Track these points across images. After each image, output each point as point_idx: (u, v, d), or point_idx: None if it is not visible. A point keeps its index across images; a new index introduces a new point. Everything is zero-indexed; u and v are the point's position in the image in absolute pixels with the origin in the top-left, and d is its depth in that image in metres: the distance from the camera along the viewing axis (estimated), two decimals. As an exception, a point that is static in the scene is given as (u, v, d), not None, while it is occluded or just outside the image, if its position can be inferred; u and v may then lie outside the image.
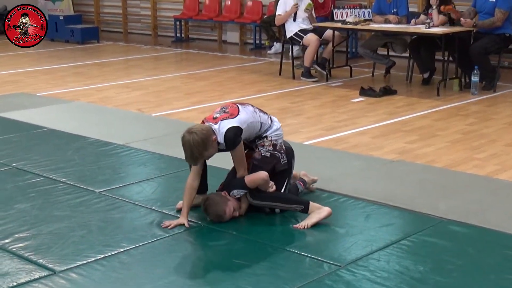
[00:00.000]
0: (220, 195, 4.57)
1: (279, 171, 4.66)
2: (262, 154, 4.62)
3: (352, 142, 6.54)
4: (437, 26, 8.91)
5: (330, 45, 9.82)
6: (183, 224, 4.41)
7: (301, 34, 9.78)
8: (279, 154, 4.65)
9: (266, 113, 4.74)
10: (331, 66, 10.05)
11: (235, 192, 4.56)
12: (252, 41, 13.65)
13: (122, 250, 4.06)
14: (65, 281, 3.70)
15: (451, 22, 9.06)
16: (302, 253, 4.01)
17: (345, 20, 9.75)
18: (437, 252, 4.04)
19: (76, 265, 3.87)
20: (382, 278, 3.71)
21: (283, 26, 10.08)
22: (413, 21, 9.34)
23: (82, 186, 5.19)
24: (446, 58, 8.93)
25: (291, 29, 9.89)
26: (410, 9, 9.90)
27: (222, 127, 4.43)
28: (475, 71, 8.55)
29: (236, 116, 4.49)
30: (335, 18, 10.10)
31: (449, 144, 6.44)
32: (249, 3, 13.63)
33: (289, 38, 10.00)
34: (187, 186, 4.54)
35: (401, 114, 7.67)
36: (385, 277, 3.72)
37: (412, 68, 9.66)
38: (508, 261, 3.94)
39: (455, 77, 9.03)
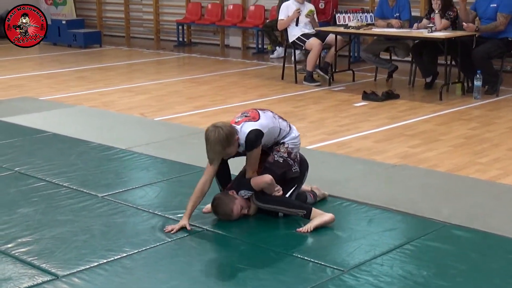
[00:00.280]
0: (228, 194, 4.61)
1: (289, 178, 4.68)
2: (275, 159, 4.66)
3: (355, 147, 6.54)
4: (440, 30, 8.91)
5: (333, 49, 9.82)
6: (185, 227, 4.41)
7: (304, 39, 9.78)
8: (292, 162, 4.69)
9: (286, 120, 4.79)
10: (333, 70, 10.05)
11: (242, 192, 4.60)
12: (254, 46, 13.66)
13: (125, 254, 4.06)
14: (68, 286, 3.70)
15: (454, 26, 9.06)
16: (305, 258, 4.00)
17: (347, 24, 9.75)
18: (440, 256, 4.04)
19: (79, 269, 3.86)
20: (385, 283, 3.70)
21: (285, 30, 10.08)
22: (415, 25, 9.34)
23: (84, 190, 5.19)
24: (448, 62, 8.93)
25: (294, 33, 9.90)
26: (413, 14, 9.90)
27: (244, 128, 4.50)
28: (477, 75, 8.55)
29: (258, 120, 4.56)
30: (337, 23, 10.10)
31: (452, 149, 6.44)
32: (252, 8, 13.64)
33: (291, 42, 10.00)
34: (197, 188, 4.54)
35: (403, 119, 7.67)
36: (389, 282, 3.72)
37: (414, 72, 9.66)
38: (511, 265, 3.93)
39: (458, 82, 9.03)
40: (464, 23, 8.76)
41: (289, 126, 4.77)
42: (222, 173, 4.71)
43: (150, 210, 4.78)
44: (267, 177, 4.53)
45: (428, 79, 9.43)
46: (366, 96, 8.68)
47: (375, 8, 10.37)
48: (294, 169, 4.70)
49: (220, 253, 4.14)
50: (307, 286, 3.66)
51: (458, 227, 4.45)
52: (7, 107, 8.28)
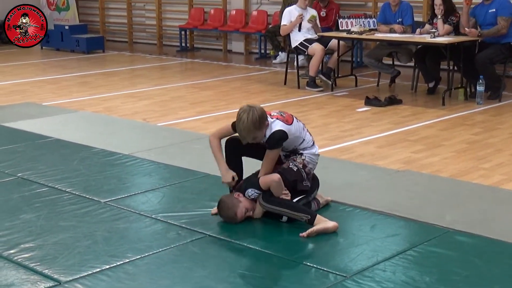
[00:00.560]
0: (232, 197, 4.63)
1: (299, 189, 4.71)
2: (290, 166, 4.71)
3: (358, 152, 6.53)
4: (442, 35, 8.91)
5: (335, 54, 9.83)
6: (233, 179, 4.71)
7: (306, 44, 9.79)
8: (305, 175, 4.73)
9: (312, 136, 4.88)
10: (336, 75, 10.06)
11: (250, 191, 4.63)
12: (257, 51, 13.67)
13: (128, 260, 4.06)
14: (71, 291, 3.70)
15: (456, 31, 9.06)
16: (308, 264, 4.00)
17: (350, 29, 9.77)
18: (443, 262, 4.03)
19: (81, 275, 3.86)
20: (388, 289, 3.70)
21: (288, 36, 10.10)
22: (418, 30, 9.35)
23: (87, 196, 5.19)
24: (451, 67, 8.93)
25: (296, 38, 9.91)
26: (415, 19, 9.90)
27: (274, 125, 4.59)
28: (480, 80, 8.54)
29: (290, 124, 4.65)
30: (340, 28, 10.11)
31: (455, 154, 6.43)
32: (254, 13, 13.65)
33: (294, 47, 10.01)
34: (213, 145, 4.82)
35: (406, 124, 7.66)
36: (391, 288, 3.72)
37: (417, 77, 9.66)
38: (514, 271, 3.93)
39: (461, 87, 9.03)
40: (466, 28, 8.76)
41: (313, 142, 4.86)
42: (234, 168, 4.80)
43: (152, 216, 4.77)
44: (276, 176, 4.57)
45: (431, 84, 9.43)
46: (368, 102, 8.68)
47: (378, 13, 10.37)
48: (305, 183, 4.74)
49: (222, 259, 4.13)
50: (310, 292, 3.66)
51: (461, 233, 4.44)
52: (10, 113, 8.29)
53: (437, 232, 4.47)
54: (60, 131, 7.29)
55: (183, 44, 14.66)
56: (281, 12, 10.90)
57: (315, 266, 3.96)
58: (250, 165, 4.90)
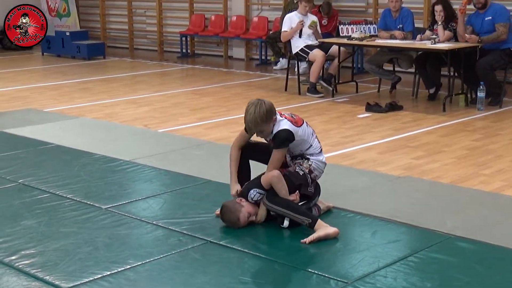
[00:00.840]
0: (234, 202, 4.65)
1: (302, 194, 4.71)
2: (296, 170, 4.73)
3: (359, 158, 6.54)
4: (443, 42, 8.92)
5: (336, 60, 9.84)
6: (237, 192, 4.75)
7: (307, 50, 9.81)
8: (310, 181, 4.76)
9: (320, 144, 4.90)
10: (337, 81, 10.06)
11: (252, 192, 4.66)
12: (258, 57, 13.69)
13: (129, 266, 4.06)
14: (72, 298, 3.71)
15: (456, 38, 9.07)
16: (309, 270, 4.00)
17: (350, 36, 9.78)
18: (444, 268, 4.02)
19: (82, 282, 3.86)
20: (389, 295, 3.70)
21: (289, 42, 10.11)
22: (418, 36, 9.36)
23: (88, 202, 5.19)
24: (452, 73, 8.94)
25: (297, 45, 9.92)
26: (416, 25, 9.91)
27: (282, 123, 4.63)
28: (481, 86, 8.55)
29: (298, 126, 4.68)
30: (340, 34, 10.12)
31: (456, 160, 6.43)
32: (255, 19, 13.67)
33: (295, 54, 10.02)
34: (232, 157, 4.85)
35: (407, 130, 7.67)
36: (392, 294, 3.71)
37: (418, 83, 9.67)
38: (515, 277, 3.93)
39: (461, 93, 9.03)
40: (467, 35, 8.77)
41: (320, 149, 4.88)
42: (241, 172, 4.86)
43: (153, 222, 4.77)
44: (275, 171, 4.59)
45: (432, 91, 9.44)
46: (369, 108, 8.69)
47: (378, 19, 10.39)
48: (309, 189, 4.76)
49: (223, 265, 4.13)
50: (311, 299, 3.66)
51: (462, 239, 4.44)
52: (11, 119, 8.29)
53: (438, 238, 4.47)
54: (61, 137, 7.30)
55: (184, 50, 14.68)
56: (282, 18, 10.92)
57: (316, 272, 3.96)
58: (260, 169, 4.90)
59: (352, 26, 10.25)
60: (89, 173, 5.99)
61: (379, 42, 9.54)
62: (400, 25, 9.65)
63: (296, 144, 4.72)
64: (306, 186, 4.74)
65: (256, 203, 4.69)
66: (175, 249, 4.31)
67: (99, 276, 3.93)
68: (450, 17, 9.07)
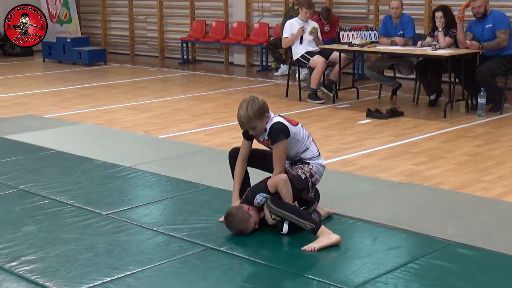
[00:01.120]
0: (243, 211, 4.63)
1: (303, 198, 4.73)
2: (298, 173, 4.73)
3: (359, 164, 6.54)
4: (444, 48, 8.93)
5: (337, 67, 9.85)
6: None
7: (308, 56, 9.82)
8: (311, 185, 4.76)
9: (317, 147, 4.91)
10: (337, 88, 10.07)
11: (258, 197, 4.65)
12: (258, 63, 13.70)
13: (129, 273, 4.06)
14: (72, 304, 3.70)
15: (457, 44, 9.07)
16: (310, 276, 3.99)
17: (351, 42, 9.79)
18: (444, 275, 4.02)
19: (83, 288, 3.86)
20: (389, 302, 3.69)
21: (289, 48, 10.12)
22: (419, 43, 9.37)
23: (89, 208, 5.19)
24: (452, 80, 8.94)
25: (298, 51, 9.93)
26: (416, 31, 9.93)
27: (275, 119, 4.69)
28: (481, 93, 8.56)
29: (293, 126, 4.73)
30: (341, 40, 10.13)
31: (456, 166, 6.43)
32: (256, 26, 13.69)
33: (295, 60, 10.03)
34: (236, 169, 4.86)
35: (408, 136, 7.67)
36: (393, 301, 3.71)
37: (418, 90, 9.67)
38: (516, 284, 3.93)
39: (462, 99, 9.04)
40: (467, 41, 8.78)
41: (319, 153, 4.89)
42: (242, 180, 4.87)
43: (154, 228, 4.77)
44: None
45: (432, 97, 9.45)
46: (370, 114, 8.69)
47: (379, 26, 10.40)
48: (309, 194, 4.76)
49: (224, 272, 4.12)
50: (311, 305, 3.65)
51: (462, 246, 4.44)
52: (11, 125, 8.30)
53: (438, 244, 4.46)
54: (62, 143, 7.30)
55: (185, 57, 14.69)
56: (283, 24, 10.94)
57: (316, 278, 3.96)
58: (260, 175, 4.90)
59: (353, 32, 10.26)
60: (90, 179, 5.99)
61: (380, 48, 9.55)
62: (401, 32, 9.66)
63: (291, 144, 4.71)
64: (307, 191, 4.74)
65: (259, 210, 4.69)
66: (176, 255, 4.31)
67: (100, 282, 3.92)
68: (450, 24, 9.08)
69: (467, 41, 8.79)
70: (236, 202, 4.82)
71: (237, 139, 7.21)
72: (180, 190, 5.65)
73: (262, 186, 4.68)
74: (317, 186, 4.87)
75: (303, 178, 4.72)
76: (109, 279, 3.97)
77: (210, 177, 5.97)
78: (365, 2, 12.49)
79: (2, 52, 15.97)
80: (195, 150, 7.00)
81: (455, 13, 9.15)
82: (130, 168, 6.32)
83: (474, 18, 8.99)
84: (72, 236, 4.63)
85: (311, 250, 4.36)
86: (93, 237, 4.61)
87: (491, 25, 8.76)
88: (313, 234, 4.47)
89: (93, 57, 14.45)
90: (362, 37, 9.94)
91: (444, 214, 5.06)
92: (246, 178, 4.92)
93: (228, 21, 14.31)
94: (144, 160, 6.60)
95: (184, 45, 14.66)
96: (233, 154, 4.97)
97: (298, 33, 9.85)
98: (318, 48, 9.91)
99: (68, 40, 14.60)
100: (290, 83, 10.47)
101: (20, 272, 4.06)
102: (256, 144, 4.87)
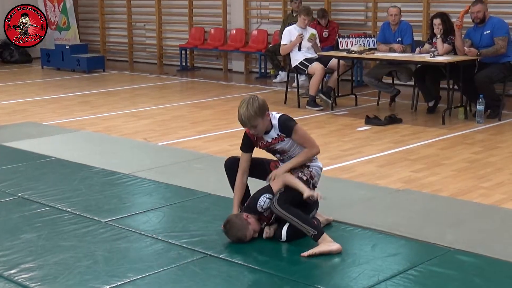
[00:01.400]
0: (241, 219, 4.62)
1: (303, 202, 4.70)
2: (300, 175, 4.74)
3: (358, 171, 6.54)
4: (442, 55, 8.94)
5: (335, 74, 9.86)
6: None
7: (306, 63, 9.83)
8: (312, 187, 4.78)
9: None
10: (336, 94, 10.08)
11: (262, 200, 4.64)
12: (257, 70, 13.71)
13: (128, 280, 4.05)
14: (71, 312, 3.70)
15: (455, 51, 9.09)
16: (309, 284, 3.99)
17: (350, 49, 9.80)
18: (444, 282, 4.02)
19: (82, 295, 3.86)
20: (389, 309, 3.69)
21: (288, 55, 10.13)
22: (417, 49, 9.38)
23: (88, 215, 5.19)
24: (451, 86, 8.95)
25: (296, 58, 9.94)
26: (415, 38, 9.94)
27: (277, 115, 4.78)
28: (480, 99, 8.57)
29: None
30: (340, 47, 10.14)
31: (455, 173, 6.43)
32: (254, 32, 13.70)
33: (294, 67, 10.04)
34: (237, 182, 4.83)
35: (406, 143, 7.67)
36: (392, 308, 3.71)
37: (417, 96, 9.68)
38: (515, 291, 3.93)
39: (460, 106, 9.05)
40: (466, 48, 8.79)
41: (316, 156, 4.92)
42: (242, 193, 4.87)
43: (153, 236, 4.77)
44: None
45: (431, 103, 9.45)
46: (369, 121, 8.70)
47: (378, 33, 10.42)
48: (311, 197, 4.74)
49: (223, 279, 4.12)
50: (311, 312, 3.65)
51: (462, 252, 4.44)
52: (11, 132, 8.30)
53: (437, 251, 4.46)
54: (61, 150, 7.30)
55: (184, 64, 14.70)
56: (281, 31, 10.96)
57: (316, 285, 3.96)
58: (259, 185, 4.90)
59: (351, 39, 10.27)
60: (89, 186, 5.99)
61: (378, 55, 9.56)
62: (399, 38, 9.67)
63: (292, 143, 4.74)
64: None
65: (259, 219, 4.68)
66: (175, 262, 4.31)
67: (99, 290, 3.93)
68: (449, 30, 9.10)
69: (465, 48, 8.80)
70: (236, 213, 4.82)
71: (235, 146, 7.21)
72: (179, 197, 5.65)
73: (265, 188, 4.68)
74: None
75: (305, 179, 4.73)
76: (108, 286, 3.97)
77: (209, 184, 5.97)
78: (364, 9, 12.52)
79: (1, 59, 15.97)
80: (194, 157, 7.01)
81: (453, 20, 9.17)
82: (129, 175, 6.32)
83: (473, 25, 9.00)
84: (71, 244, 4.63)
85: (311, 255, 4.35)
86: (92, 245, 4.61)
87: (489, 31, 8.78)
88: (314, 241, 4.47)
89: (92, 64, 14.45)
90: (360, 44, 9.95)
91: (443, 221, 5.06)
92: (246, 190, 4.91)
93: (227, 28, 14.32)
94: (143, 167, 6.60)
95: (183, 52, 14.68)
96: (229, 164, 4.95)
97: (297, 41, 9.86)
98: (316, 55, 9.92)
99: (67, 47, 14.60)
100: (288, 90, 10.48)
101: (19, 280, 4.06)
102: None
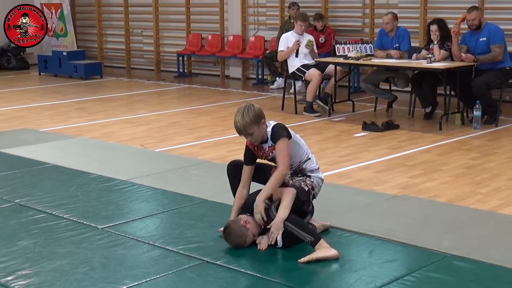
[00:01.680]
0: (240, 226, 4.62)
1: (302, 211, 4.71)
2: (302, 185, 4.74)
3: (355, 177, 6.54)
4: (439, 61, 8.96)
5: (332, 80, 9.87)
6: None
7: (303, 69, 9.84)
8: (311, 198, 4.78)
9: (315, 159, 4.94)
10: (333, 100, 10.09)
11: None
12: (254, 76, 13.72)
13: (125, 287, 4.05)
14: (68, 318, 3.69)
15: (452, 57, 9.10)
16: (306, 290, 3.99)
17: (347, 55, 9.81)
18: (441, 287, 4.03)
19: (78, 302, 3.85)
20: (386, 315, 3.69)
21: (285, 61, 10.14)
22: (414, 56, 9.40)
23: (85, 222, 5.19)
24: (448, 92, 8.97)
25: (294, 64, 9.96)
26: (412, 44, 9.95)
27: (273, 123, 4.75)
28: (477, 105, 8.58)
29: (293, 132, 4.81)
30: (337, 53, 10.15)
31: (452, 179, 6.44)
32: (252, 39, 13.72)
33: (291, 73, 10.06)
34: (237, 195, 4.83)
35: (403, 149, 7.68)
36: (389, 314, 3.71)
37: (414, 102, 9.69)
38: (513, 297, 3.92)
39: (457, 112, 9.06)
40: (463, 54, 8.81)
41: (318, 166, 4.92)
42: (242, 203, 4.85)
43: (150, 242, 4.77)
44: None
45: (428, 109, 9.46)
46: (366, 127, 8.70)
47: (375, 39, 10.43)
48: (310, 207, 4.75)
49: (220, 285, 4.12)
50: (308, 319, 3.64)
51: (459, 258, 4.44)
52: (8, 139, 8.29)
53: (435, 257, 4.46)
54: (58, 157, 7.29)
55: (181, 70, 14.71)
56: (278, 38, 10.97)
57: (313, 292, 3.96)
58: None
59: (348, 45, 10.28)
60: (86, 193, 5.98)
61: (375, 61, 9.57)
62: (397, 45, 9.69)
63: (294, 150, 4.74)
64: (308, 203, 4.74)
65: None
66: (172, 269, 4.31)
67: (96, 296, 3.92)
68: (445, 37, 9.11)
69: (462, 54, 8.82)
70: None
71: (233, 152, 7.24)
72: (176, 204, 5.64)
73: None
74: (317, 199, 4.87)
75: (306, 190, 4.73)
76: (105, 293, 3.96)
77: (206, 190, 5.97)
78: (361, 15, 12.54)
79: (-1, 65, 16.00)
80: (191, 164, 7.00)
81: (450, 26, 9.18)
82: (126, 182, 6.31)
83: (469, 30, 9.02)
84: (67, 250, 4.62)
85: (307, 261, 4.35)
86: (89, 251, 4.61)
87: (485, 38, 8.80)
88: (311, 247, 4.47)
89: (89, 70, 14.46)
90: (357, 50, 9.96)
91: (440, 226, 5.06)
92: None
93: (224, 35, 14.34)
94: (140, 173, 6.60)
95: (180, 58, 14.68)
96: (232, 168, 4.97)
97: (294, 47, 9.87)
98: (313, 61, 9.93)
99: (64, 53, 14.61)
100: (286, 96, 10.48)
101: (16, 287, 4.05)
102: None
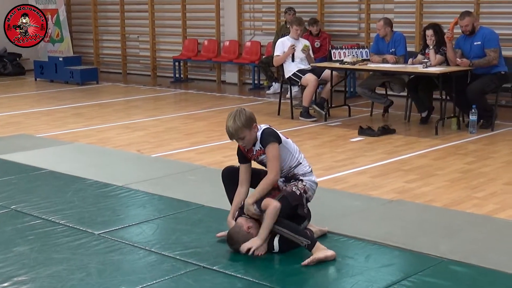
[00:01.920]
0: (244, 234, 4.63)
1: (297, 215, 4.72)
2: (293, 189, 4.74)
3: (351, 182, 6.54)
4: (434, 65, 8.97)
5: (329, 85, 9.88)
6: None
7: (300, 74, 9.85)
8: (305, 201, 4.78)
9: (308, 163, 4.93)
10: (329, 105, 10.09)
11: (255, 207, 4.64)
12: (250, 81, 13.73)
13: (122, 292, 4.05)
14: (64, 324, 3.68)
15: (448, 62, 9.12)
16: (302, 295, 3.99)
17: (343, 60, 9.83)
18: (437, 292, 4.03)
19: (75, 308, 3.85)
20: (382, 320, 3.69)
21: (281, 66, 10.16)
22: (410, 60, 9.42)
23: (81, 228, 5.18)
24: (443, 97, 8.98)
25: (290, 69, 9.97)
26: (408, 49, 9.97)
27: (264, 127, 4.78)
28: (472, 110, 8.59)
29: (284, 137, 4.81)
30: (333, 58, 10.16)
31: (448, 183, 6.44)
32: (248, 44, 13.73)
33: (287, 78, 10.06)
34: (236, 193, 4.85)
35: (400, 154, 7.68)
36: (386, 319, 3.71)
37: (410, 107, 9.71)
38: (509, 301, 3.93)
39: (453, 116, 9.07)
40: (458, 59, 8.83)
41: (311, 169, 4.91)
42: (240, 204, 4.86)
43: (147, 248, 4.76)
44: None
45: (424, 114, 9.48)
46: (362, 131, 8.71)
47: (371, 44, 10.44)
48: (305, 209, 4.77)
49: (217, 291, 4.12)
50: (304, 324, 3.64)
51: (455, 263, 4.44)
52: (4, 144, 8.29)
53: (431, 262, 4.47)
54: (54, 163, 7.29)
55: (177, 75, 14.71)
56: (274, 43, 10.98)
57: (309, 297, 3.96)
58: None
59: (344, 50, 10.30)
60: (82, 198, 5.98)
61: (371, 66, 9.58)
62: (393, 49, 9.70)
63: (284, 156, 4.74)
64: (302, 206, 4.75)
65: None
66: (168, 274, 4.30)
67: (92, 302, 3.91)
68: (441, 41, 9.12)
69: (458, 59, 8.83)
70: (231, 222, 4.81)
71: (229, 158, 7.23)
72: (172, 209, 5.64)
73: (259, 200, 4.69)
74: (309, 203, 4.87)
75: (298, 194, 4.73)
76: (101, 299, 3.96)
77: (203, 196, 5.97)
78: (357, 20, 12.56)
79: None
80: (188, 169, 7.00)
81: (445, 31, 9.20)
82: (122, 187, 6.31)
83: (462, 34, 9.04)
84: (64, 256, 4.62)
85: (310, 262, 4.38)
86: (85, 257, 4.60)
87: (480, 42, 8.82)
88: (308, 251, 4.47)
89: (85, 76, 14.44)
90: (353, 55, 9.98)
91: (436, 231, 5.07)
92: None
93: (220, 40, 14.35)
94: (137, 179, 6.60)
95: (176, 63, 14.69)
96: (227, 173, 4.98)
97: (289, 52, 9.88)
98: (309, 66, 9.94)
99: (60, 59, 14.60)
100: (282, 101, 10.49)
101: (12, 293, 4.05)
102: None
